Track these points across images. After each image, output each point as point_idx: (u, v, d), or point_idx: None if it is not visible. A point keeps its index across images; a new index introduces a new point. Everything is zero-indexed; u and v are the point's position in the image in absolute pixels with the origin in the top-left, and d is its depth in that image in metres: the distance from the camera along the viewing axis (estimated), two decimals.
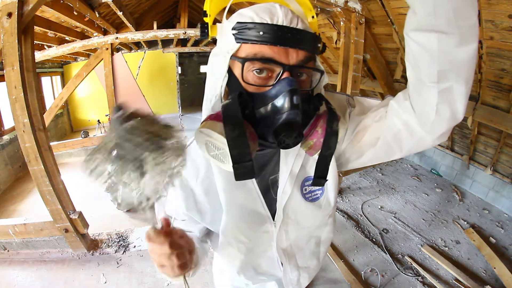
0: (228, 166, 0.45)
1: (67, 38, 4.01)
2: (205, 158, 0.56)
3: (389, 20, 2.44)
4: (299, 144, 0.50)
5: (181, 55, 8.32)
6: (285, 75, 0.46)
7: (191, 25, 4.67)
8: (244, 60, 0.46)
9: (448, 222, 2.72)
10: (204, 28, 0.51)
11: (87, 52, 5.58)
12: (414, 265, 2.12)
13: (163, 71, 7.39)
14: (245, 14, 0.47)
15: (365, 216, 2.80)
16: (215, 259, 0.92)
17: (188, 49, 6.96)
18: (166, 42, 6.55)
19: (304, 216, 0.65)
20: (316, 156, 0.52)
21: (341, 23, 2.59)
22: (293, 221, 0.64)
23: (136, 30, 4.22)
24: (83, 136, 5.49)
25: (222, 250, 0.68)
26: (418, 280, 1.99)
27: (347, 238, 2.44)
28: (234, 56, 0.47)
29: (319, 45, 0.51)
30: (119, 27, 4.22)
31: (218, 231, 0.64)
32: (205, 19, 0.52)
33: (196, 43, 6.70)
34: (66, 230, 2.15)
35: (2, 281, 2.03)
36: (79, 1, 2.69)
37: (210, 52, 0.53)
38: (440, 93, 0.43)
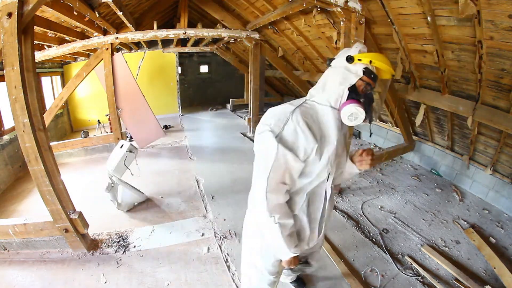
0: (353, 123, 1.00)
1: (67, 38, 4.01)
2: (324, 117, 1.03)
3: (389, 20, 2.44)
4: None
5: (181, 55, 8.32)
6: (370, 91, 1.05)
7: (191, 25, 4.67)
8: (365, 83, 1.02)
9: (448, 222, 2.72)
10: (351, 59, 1.02)
11: (87, 52, 5.58)
12: (414, 265, 2.13)
13: (163, 71, 7.38)
14: (370, 64, 1.02)
15: (365, 216, 2.80)
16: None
17: (188, 49, 6.96)
18: (166, 42, 6.55)
19: (343, 159, 1.16)
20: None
21: (341, 23, 2.59)
22: (340, 161, 1.13)
23: (136, 30, 4.22)
24: (83, 136, 5.49)
25: (322, 172, 1.04)
26: (418, 280, 1.99)
27: (347, 238, 2.44)
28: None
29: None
30: (119, 27, 4.22)
31: (317, 160, 1.01)
32: (356, 56, 1.02)
33: (196, 43, 6.70)
34: (66, 230, 2.15)
35: (2, 281, 2.02)
36: (79, 1, 2.69)
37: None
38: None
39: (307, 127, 0.96)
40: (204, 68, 9.96)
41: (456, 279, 1.99)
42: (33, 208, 3.04)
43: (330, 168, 1.04)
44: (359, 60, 1.00)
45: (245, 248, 1.36)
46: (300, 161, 0.97)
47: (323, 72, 1.11)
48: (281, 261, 1.21)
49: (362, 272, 2.05)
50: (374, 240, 2.44)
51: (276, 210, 1.00)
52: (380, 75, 1.05)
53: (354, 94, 1.00)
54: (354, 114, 0.97)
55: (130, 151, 2.84)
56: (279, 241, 1.04)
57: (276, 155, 0.94)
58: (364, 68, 0.99)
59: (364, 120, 1.00)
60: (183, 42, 6.63)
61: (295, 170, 0.99)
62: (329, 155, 1.01)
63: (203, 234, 2.52)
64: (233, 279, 2.00)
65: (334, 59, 1.09)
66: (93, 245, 2.35)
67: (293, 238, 1.08)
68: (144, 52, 6.52)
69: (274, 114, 1.00)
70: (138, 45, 6.25)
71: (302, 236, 1.16)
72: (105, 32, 4.18)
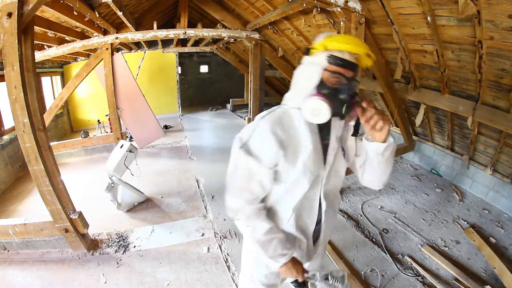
0: (318, 119, 0.84)
1: (67, 38, 4.01)
2: (298, 120, 0.93)
3: (389, 20, 2.44)
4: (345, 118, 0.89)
5: (181, 55, 8.32)
6: (346, 82, 0.85)
7: (191, 25, 4.67)
8: (332, 72, 0.85)
9: (448, 222, 2.72)
10: (308, 51, 0.90)
11: (87, 52, 5.58)
12: (414, 265, 2.13)
13: (163, 71, 7.39)
14: (333, 50, 0.84)
15: (365, 216, 2.80)
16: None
17: (188, 49, 6.96)
18: (166, 42, 6.54)
19: (340, 165, 1.02)
20: (348, 125, 0.98)
21: (341, 23, 2.59)
22: (335, 167, 1.01)
23: (136, 30, 4.22)
24: (83, 136, 5.49)
25: (300, 179, 0.95)
26: (418, 280, 1.99)
27: (347, 238, 2.44)
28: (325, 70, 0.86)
29: (360, 69, 0.90)
30: (119, 27, 4.22)
31: (289, 166, 0.93)
32: (311, 48, 0.89)
33: (196, 43, 6.70)
34: (66, 230, 2.15)
35: (2, 281, 2.03)
36: (79, 1, 2.69)
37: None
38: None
39: (271, 133, 0.90)
40: (204, 68, 9.96)
41: (456, 279, 1.99)
42: (33, 208, 3.04)
43: (310, 175, 0.94)
44: (315, 49, 0.87)
45: (242, 253, 1.35)
46: (265, 167, 0.93)
47: None
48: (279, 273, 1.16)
49: (362, 272, 2.05)
50: (374, 240, 2.44)
51: (241, 212, 1.00)
52: (358, 62, 0.86)
53: (325, 89, 0.86)
54: (316, 109, 0.82)
55: (130, 151, 2.84)
56: (257, 246, 1.02)
57: (237, 161, 0.95)
58: (327, 56, 0.84)
59: (336, 116, 0.85)
60: (183, 42, 6.63)
61: (263, 176, 0.94)
62: (305, 160, 0.92)
63: (203, 234, 2.52)
64: (233, 279, 2.00)
65: None
66: (93, 245, 2.35)
67: (273, 245, 1.00)
68: (144, 52, 6.52)
69: (250, 123, 1.00)
70: (138, 45, 6.25)
71: (297, 246, 1.10)
72: (105, 32, 4.18)
